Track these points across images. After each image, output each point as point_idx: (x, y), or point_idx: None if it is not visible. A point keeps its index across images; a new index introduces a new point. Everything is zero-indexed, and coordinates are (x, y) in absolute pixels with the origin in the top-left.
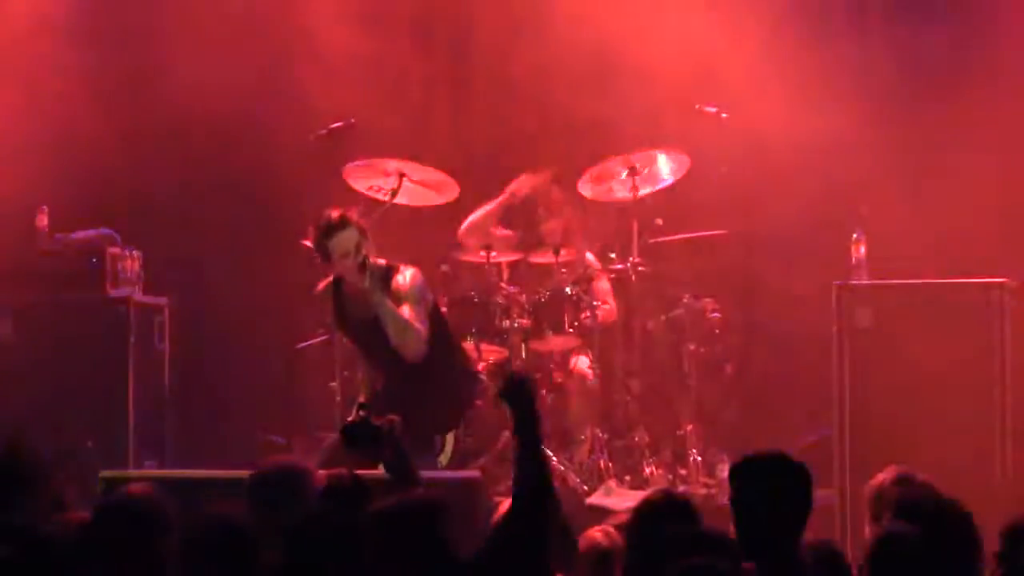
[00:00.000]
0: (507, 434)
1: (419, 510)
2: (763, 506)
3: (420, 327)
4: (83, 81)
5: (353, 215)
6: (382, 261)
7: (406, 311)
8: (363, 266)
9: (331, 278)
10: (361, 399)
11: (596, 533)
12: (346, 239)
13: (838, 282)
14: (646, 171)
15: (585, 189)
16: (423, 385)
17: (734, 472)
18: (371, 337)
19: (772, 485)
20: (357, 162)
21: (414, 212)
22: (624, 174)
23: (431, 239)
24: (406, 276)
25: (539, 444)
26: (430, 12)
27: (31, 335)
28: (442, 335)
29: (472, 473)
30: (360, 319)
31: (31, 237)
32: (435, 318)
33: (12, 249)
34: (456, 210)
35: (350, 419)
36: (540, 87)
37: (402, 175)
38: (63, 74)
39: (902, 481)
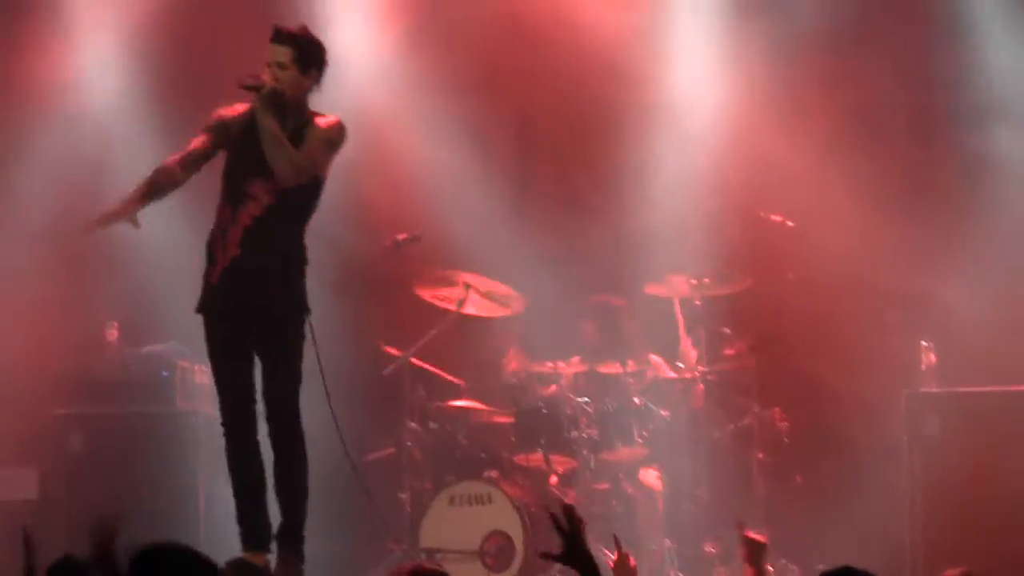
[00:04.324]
0: None
1: None
2: None
3: (305, 157)
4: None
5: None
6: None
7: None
8: (275, 93)
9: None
10: None
11: None
12: (281, 52)
13: (907, 390)
14: (708, 282)
15: (651, 290)
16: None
17: None
18: (258, 164)
19: None
20: (423, 279)
21: (481, 320)
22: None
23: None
24: (327, 119)
25: None
26: (494, 125)
27: (101, 448)
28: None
29: None
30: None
31: (102, 351)
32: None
33: (83, 362)
34: (522, 321)
35: None
36: (604, 198)
37: (469, 287)
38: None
39: None
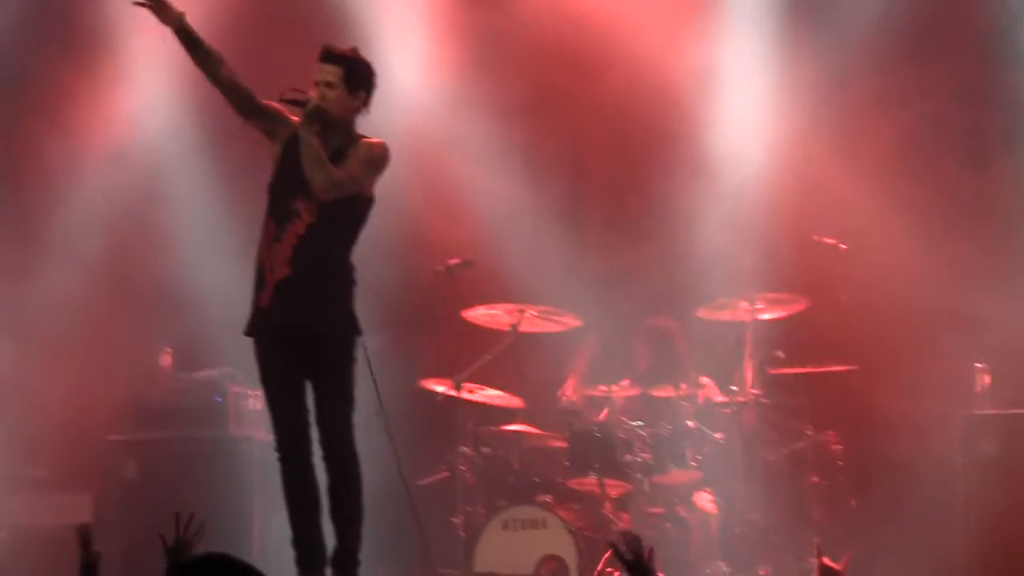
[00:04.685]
0: None
1: None
2: None
3: (344, 172)
4: (204, 228)
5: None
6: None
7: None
8: (319, 109)
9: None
10: None
11: None
12: (329, 71)
13: (962, 412)
14: (761, 305)
15: (704, 313)
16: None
17: None
18: (301, 182)
19: None
20: (477, 304)
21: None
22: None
23: (552, 369)
24: (372, 140)
25: None
26: (547, 150)
27: (155, 474)
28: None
29: None
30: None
31: (155, 377)
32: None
33: (136, 388)
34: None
35: None
36: (657, 222)
37: (522, 310)
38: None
39: None
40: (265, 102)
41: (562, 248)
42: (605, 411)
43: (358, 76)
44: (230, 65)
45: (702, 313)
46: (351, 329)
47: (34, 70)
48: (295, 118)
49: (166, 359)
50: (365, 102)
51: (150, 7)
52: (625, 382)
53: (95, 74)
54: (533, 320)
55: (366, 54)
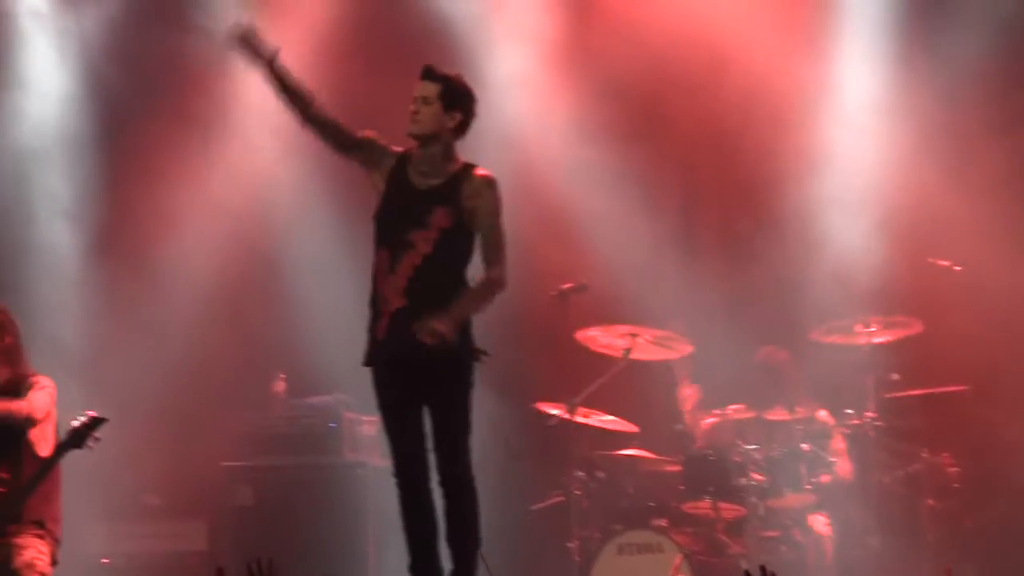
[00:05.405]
0: None
1: None
2: None
3: (503, 242)
4: (316, 256)
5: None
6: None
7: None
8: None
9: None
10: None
11: None
12: (427, 88)
13: None
14: (876, 328)
15: (818, 336)
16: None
17: None
18: (413, 212)
19: None
20: (590, 328)
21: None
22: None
23: (666, 393)
24: (486, 175)
25: None
26: (658, 174)
27: (270, 499)
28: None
29: None
30: (415, 188)
31: (269, 403)
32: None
33: (251, 415)
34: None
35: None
36: (769, 245)
37: (635, 334)
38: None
39: None
40: (362, 134)
41: (675, 272)
42: (720, 435)
43: (455, 95)
44: (320, 102)
45: (816, 336)
46: (468, 356)
47: (148, 115)
48: (396, 148)
49: (280, 385)
50: (462, 124)
51: (244, 50)
52: (739, 405)
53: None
54: (646, 345)
55: (477, 81)
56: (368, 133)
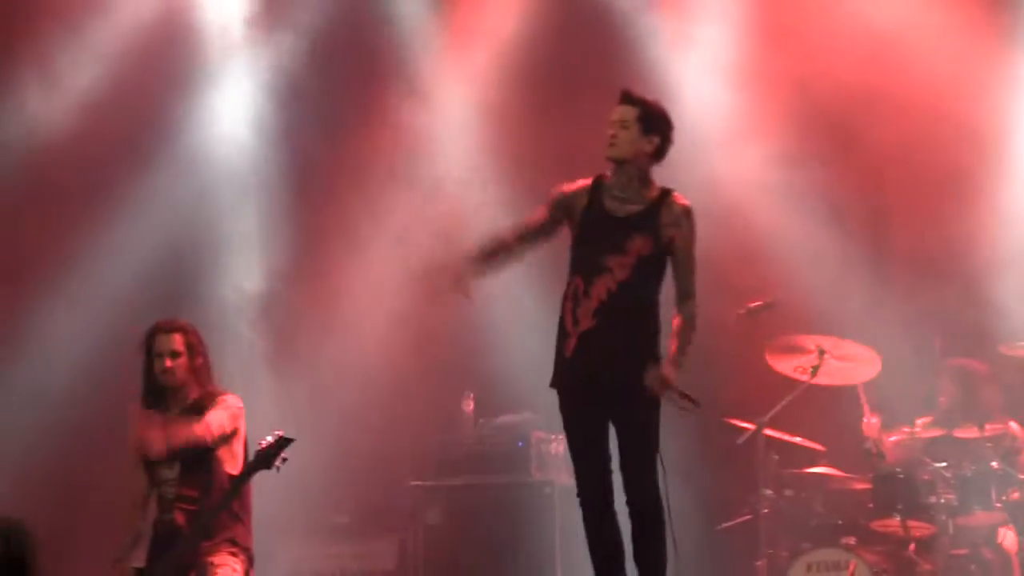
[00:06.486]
0: None
1: None
2: None
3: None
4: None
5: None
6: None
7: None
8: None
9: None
10: None
11: None
12: (625, 112)
13: None
14: None
15: (1007, 350)
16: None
17: None
18: (611, 238)
19: None
20: (778, 340)
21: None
22: None
23: (854, 410)
24: (684, 202)
25: None
26: (847, 192)
27: (458, 519)
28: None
29: None
30: (612, 215)
31: (458, 422)
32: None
33: (439, 435)
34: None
35: None
36: (960, 261)
37: (823, 351)
38: None
39: None
40: (547, 206)
41: (865, 289)
42: (909, 452)
43: (653, 119)
44: (504, 236)
45: (1005, 350)
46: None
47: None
48: (582, 181)
49: (469, 405)
50: (659, 149)
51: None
52: (928, 422)
53: (391, 100)
54: (834, 368)
55: (666, 102)
56: (551, 198)
